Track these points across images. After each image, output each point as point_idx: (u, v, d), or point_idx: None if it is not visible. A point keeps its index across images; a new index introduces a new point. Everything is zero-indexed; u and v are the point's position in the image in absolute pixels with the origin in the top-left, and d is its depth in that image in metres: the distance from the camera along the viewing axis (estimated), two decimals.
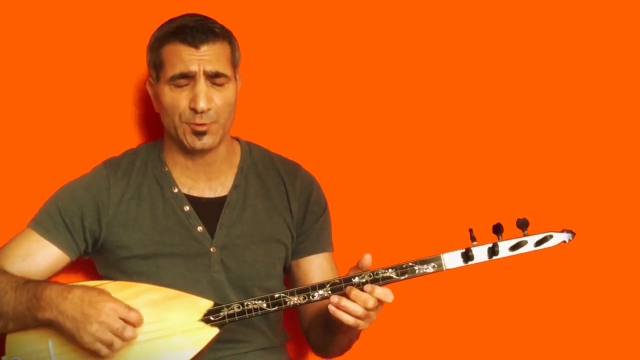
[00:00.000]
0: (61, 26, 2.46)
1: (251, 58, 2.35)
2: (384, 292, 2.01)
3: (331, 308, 2.01)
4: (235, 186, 2.31)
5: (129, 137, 2.47)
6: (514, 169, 2.63)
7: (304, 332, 2.37)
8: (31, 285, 2.08)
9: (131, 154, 2.34)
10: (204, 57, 2.16)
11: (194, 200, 2.28)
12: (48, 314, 2.03)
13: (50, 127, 2.45)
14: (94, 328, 2.00)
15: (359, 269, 2.05)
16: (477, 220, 2.11)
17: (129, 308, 2.03)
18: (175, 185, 2.28)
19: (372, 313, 2.03)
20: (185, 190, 2.28)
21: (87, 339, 2.01)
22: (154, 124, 2.43)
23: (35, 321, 2.06)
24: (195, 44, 2.16)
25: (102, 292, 2.04)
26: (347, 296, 2.01)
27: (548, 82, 2.66)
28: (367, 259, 2.04)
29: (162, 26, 2.24)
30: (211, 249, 2.25)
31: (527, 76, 2.65)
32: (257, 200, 2.32)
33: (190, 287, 2.18)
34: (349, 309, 2.00)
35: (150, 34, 2.26)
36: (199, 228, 2.25)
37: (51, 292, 2.04)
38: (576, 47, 2.66)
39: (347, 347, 2.28)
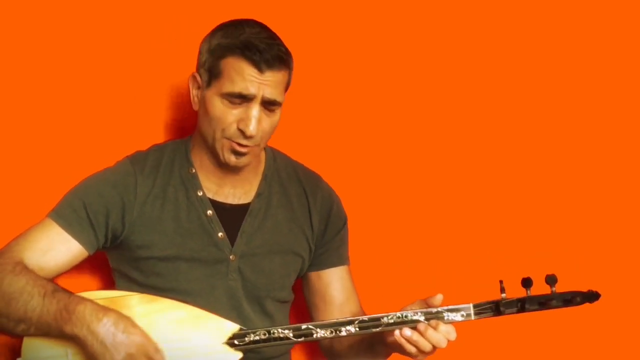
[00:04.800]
0: (93, 23, 2.41)
1: None
2: (447, 330, 2.05)
3: (400, 340, 2.05)
4: (258, 194, 2.28)
5: (150, 132, 2.42)
6: (540, 222, 2.66)
7: (324, 343, 2.36)
8: (62, 296, 2.03)
9: (157, 150, 2.28)
10: (265, 82, 2.11)
11: (217, 206, 2.25)
12: (77, 331, 2.00)
13: (73, 120, 2.40)
14: (120, 357, 1.98)
15: (426, 304, 2.08)
16: (503, 268, 2.14)
17: (157, 349, 2.01)
18: (200, 188, 2.24)
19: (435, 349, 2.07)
20: (210, 195, 2.25)
21: None
22: (179, 121, 2.41)
23: (60, 333, 2.02)
24: (260, 67, 2.10)
25: (135, 324, 2.01)
26: (419, 332, 2.04)
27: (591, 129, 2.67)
28: (438, 299, 2.07)
29: (226, 31, 2.15)
30: (230, 257, 2.23)
31: (571, 120, 2.66)
32: (279, 210, 2.30)
33: (206, 293, 2.18)
34: (419, 344, 2.04)
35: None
36: (220, 234, 2.23)
37: (85, 310, 2.00)
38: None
39: None
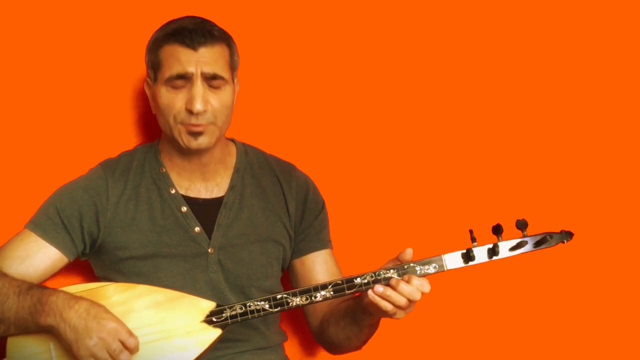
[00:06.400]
0: (58, 26, 2.45)
1: (246, 59, 2.34)
2: (421, 282, 2.03)
3: (375, 298, 2.03)
4: (231, 187, 2.32)
5: (126, 138, 2.46)
6: (513, 169, 2.66)
7: (315, 329, 2.36)
8: (36, 291, 2.07)
9: (127, 155, 2.34)
10: (201, 59, 2.17)
11: (191, 201, 2.28)
12: (50, 320, 2.03)
13: (47, 128, 2.43)
14: (93, 342, 2.00)
15: (398, 261, 2.08)
16: (477, 221, 2.12)
17: (130, 333, 2.03)
18: (172, 186, 2.28)
19: (412, 304, 2.05)
20: (182, 191, 2.29)
21: (83, 351, 2.01)
22: (150, 125, 2.43)
23: (37, 326, 2.05)
24: (193, 46, 2.16)
25: (108, 310, 2.04)
26: (392, 287, 2.03)
27: (550, 82, 2.68)
28: (409, 253, 2.07)
29: (161, 28, 2.25)
30: (209, 250, 2.25)
31: (529, 76, 2.67)
32: (253, 200, 2.33)
33: (188, 288, 2.19)
34: (392, 298, 2.03)
35: (148, 35, 2.26)
36: (197, 229, 2.26)
37: (57, 299, 2.04)
38: (575, 46, 2.69)
39: (367, 340, 2.28)
